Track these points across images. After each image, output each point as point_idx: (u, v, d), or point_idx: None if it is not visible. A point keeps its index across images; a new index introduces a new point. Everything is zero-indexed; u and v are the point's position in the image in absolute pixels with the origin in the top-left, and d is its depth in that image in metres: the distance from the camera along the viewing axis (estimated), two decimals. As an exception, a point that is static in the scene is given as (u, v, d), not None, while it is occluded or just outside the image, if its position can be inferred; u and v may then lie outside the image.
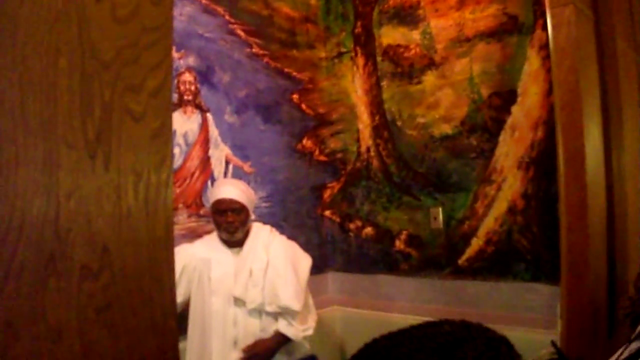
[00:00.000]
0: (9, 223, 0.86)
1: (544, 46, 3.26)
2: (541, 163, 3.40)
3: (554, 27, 2.82)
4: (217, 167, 3.74)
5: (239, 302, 3.17)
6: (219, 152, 3.75)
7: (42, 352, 0.90)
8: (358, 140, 4.38)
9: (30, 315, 0.89)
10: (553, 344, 2.75)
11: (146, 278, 1.03)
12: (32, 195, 0.89)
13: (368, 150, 4.31)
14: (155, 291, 1.04)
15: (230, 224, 3.20)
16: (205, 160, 3.67)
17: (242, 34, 3.93)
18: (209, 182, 3.66)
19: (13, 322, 0.87)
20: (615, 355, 1.94)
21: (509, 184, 3.55)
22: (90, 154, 0.94)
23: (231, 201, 3.19)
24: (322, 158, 4.51)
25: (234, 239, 3.24)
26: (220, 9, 3.78)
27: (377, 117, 4.24)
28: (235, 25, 3.88)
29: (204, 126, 3.66)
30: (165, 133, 1.05)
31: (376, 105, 4.24)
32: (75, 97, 0.93)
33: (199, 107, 3.63)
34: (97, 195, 0.96)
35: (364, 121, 4.33)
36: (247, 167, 3.92)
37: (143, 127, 1.02)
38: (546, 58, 3.28)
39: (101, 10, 0.96)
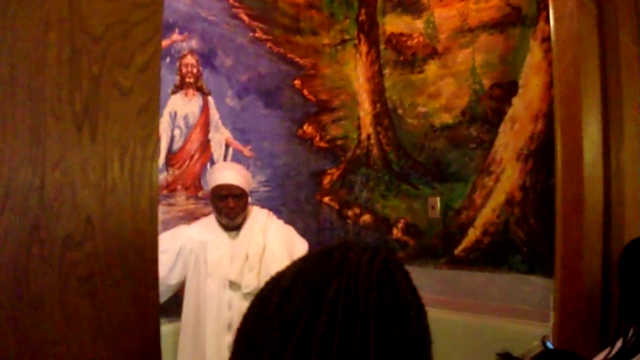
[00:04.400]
0: (-5, 191, 0.88)
1: (547, 38, 3.25)
2: (540, 155, 3.40)
3: (556, 19, 2.82)
4: (217, 150, 3.75)
5: (234, 285, 3.17)
6: (219, 136, 3.76)
7: (24, 318, 0.92)
8: (359, 127, 4.38)
9: (13, 282, 0.90)
10: (543, 341, 2.78)
11: (129, 250, 1.05)
12: (19, 165, 0.91)
13: (368, 137, 4.31)
14: (137, 263, 1.06)
15: (232, 210, 3.20)
16: (205, 143, 3.68)
17: (245, 18, 3.93)
18: (208, 165, 3.67)
19: (-4, 287, 0.89)
20: (605, 352, 1.96)
21: (507, 176, 3.55)
22: (77, 126, 0.96)
23: (232, 187, 3.19)
24: (323, 144, 4.51)
25: (234, 224, 3.25)
26: (224, -7, 3.79)
27: (378, 105, 4.25)
28: (239, 9, 3.89)
29: (204, 109, 3.68)
30: (152, 108, 1.07)
31: (378, 93, 4.25)
32: (64, 69, 0.94)
33: (200, 89, 3.65)
34: (83, 166, 0.97)
35: (365, 109, 4.33)
36: (246, 151, 3.93)
37: (130, 102, 1.03)
38: (548, 51, 3.25)
39: (92, -15, 0.97)
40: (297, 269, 0.92)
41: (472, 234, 3.71)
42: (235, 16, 3.87)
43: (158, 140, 1.09)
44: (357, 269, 0.86)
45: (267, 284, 0.95)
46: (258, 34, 4.03)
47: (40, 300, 0.93)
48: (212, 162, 3.70)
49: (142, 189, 1.06)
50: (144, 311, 1.08)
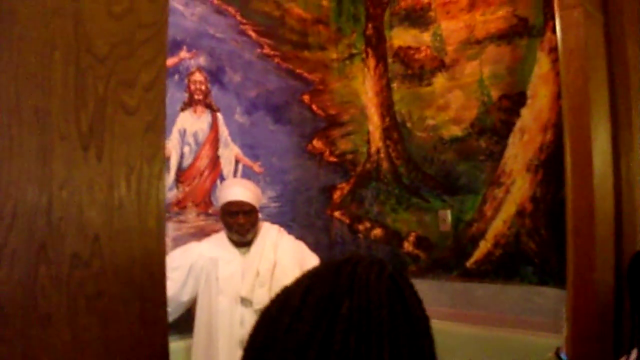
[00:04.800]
0: (2, 211, 0.89)
1: (554, 49, 3.25)
2: (550, 166, 3.40)
3: (563, 29, 2.82)
4: (227, 166, 3.77)
5: (246, 302, 3.18)
6: (229, 152, 3.78)
7: (32, 337, 0.92)
8: (368, 141, 4.39)
9: (22, 300, 0.91)
10: (557, 353, 2.77)
11: (137, 268, 1.05)
12: (26, 185, 0.91)
13: (378, 151, 4.32)
14: (145, 281, 1.07)
15: (242, 226, 3.21)
16: (215, 160, 3.70)
17: (253, 34, 3.96)
18: (218, 181, 3.69)
19: (4, 307, 0.89)
20: None
21: (517, 187, 3.55)
22: (83, 146, 0.97)
23: (242, 203, 3.20)
24: (332, 159, 4.52)
25: (245, 240, 3.26)
26: (231, 9, 3.80)
27: (387, 119, 4.26)
28: (246, 26, 3.91)
29: (214, 126, 3.69)
30: (158, 127, 1.07)
31: (386, 106, 4.26)
32: (70, 90, 0.95)
33: (209, 106, 3.67)
34: (89, 185, 0.98)
35: (374, 123, 4.34)
36: (256, 167, 3.95)
37: (136, 121, 1.04)
38: (556, 61, 3.26)
39: (97, 6, 0.98)
40: (305, 286, 0.92)
41: (484, 246, 3.70)
42: (242, 33, 3.89)
43: (164, 159, 1.10)
44: (367, 286, 0.87)
45: (274, 302, 0.96)
46: (266, 50, 4.05)
47: (48, 319, 0.94)
48: (222, 179, 3.71)
49: (149, 207, 1.07)
50: (152, 330, 1.08)
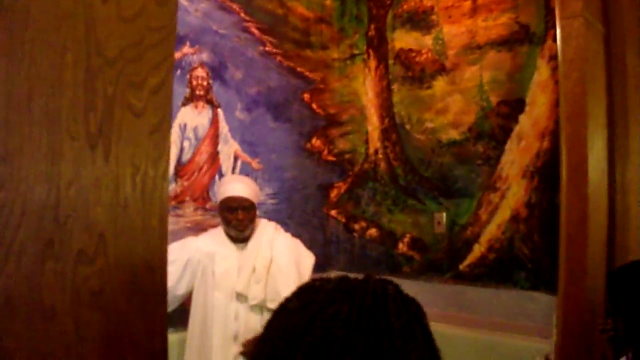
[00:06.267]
0: (12, 208, 0.92)
1: (554, 57, 3.26)
2: (546, 173, 3.43)
3: (563, 38, 2.85)
4: (226, 162, 3.79)
5: (241, 297, 3.20)
6: (228, 148, 3.80)
7: (37, 329, 0.95)
8: (367, 142, 4.41)
9: (28, 294, 0.94)
10: (546, 358, 2.80)
11: (139, 266, 1.08)
12: (35, 183, 0.94)
13: (376, 152, 4.35)
14: (147, 279, 1.10)
15: (241, 222, 3.23)
16: (214, 155, 3.72)
17: (256, 32, 3.98)
18: (217, 177, 3.71)
19: (12, 299, 0.92)
20: None
21: (513, 192, 3.58)
22: (91, 146, 1.00)
23: (241, 199, 3.22)
24: (330, 158, 4.55)
25: (242, 235, 3.27)
26: (235, 6, 3.82)
27: (386, 120, 4.28)
28: (249, 23, 3.93)
29: (214, 121, 3.71)
30: (164, 129, 1.10)
31: (386, 108, 4.28)
32: (80, 91, 0.98)
33: (210, 102, 3.68)
34: (96, 185, 1.01)
35: (373, 123, 4.37)
36: (255, 164, 3.97)
37: (143, 123, 1.07)
38: (556, 69, 3.27)
39: (108, 10, 1.01)
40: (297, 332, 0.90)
41: (477, 249, 3.73)
42: (245, 30, 3.91)
43: (169, 160, 1.13)
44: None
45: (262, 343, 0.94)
46: (268, 48, 4.07)
47: (53, 313, 0.97)
48: (221, 174, 3.73)
49: (152, 207, 1.09)
50: (152, 326, 1.11)
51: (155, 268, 1.11)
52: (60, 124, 0.96)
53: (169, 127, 1.11)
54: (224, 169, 3.77)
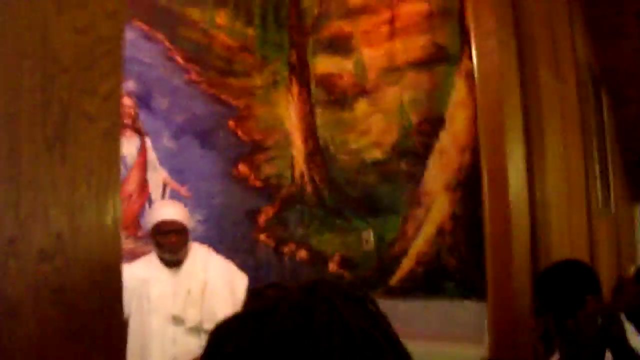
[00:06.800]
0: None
1: (471, 75, 3.41)
2: (468, 186, 3.56)
3: (478, 55, 3.00)
4: (155, 190, 3.80)
5: (177, 320, 3.20)
6: (157, 176, 3.82)
7: (1, 326, 0.99)
8: (292, 166, 4.49)
9: (-8, 291, 0.98)
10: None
11: (96, 264, 1.13)
12: (-5, 184, 0.99)
13: (302, 175, 4.42)
14: (103, 276, 1.15)
15: (174, 245, 3.23)
16: (143, 184, 3.73)
17: (181, 60, 4.02)
18: (147, 205, 3.72)
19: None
20: None
21: (437, 207, 3.70)
22: (48, 149, 1.05)
23: (174, 222, 3.23)
24: (257, 183, 4.60)
25: (176, 258, 3.28)
26: (160, 36, 3.87)
27: (310, 144, 4.37)
28: (174, 52, 3.98)
29: (142, 150, 3.73)
30: (115, 133, 1.16)
31: (310, 131, 4.37)
32: (37, 96, 1.03)
33: (137, 131, 3.70)
34: (54, 186, 1.06)
35: (298, 147, 4.45)
36: (184, 191, 3.99)
37: (96, 127, 1.13)
38: (473, 86, 3.39)
39: (62, 21, 1.07)
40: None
41: (406, 264, 3.83)
42: (170, 59, 3.95)
43: (119, 162, 1.18)
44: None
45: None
46: (193, 76, 4.12)
47: (16, 310, 1.01)
48: (150, 202, 3.74)
49: (107, 208, 1.15)
50: (110, 322, 1.16)
51: (111, 266, 1.16)
52: (20, 127, 1.01)
53: (119, 131, 1.17)
54: (153, 197, 3.79)
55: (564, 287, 2.18)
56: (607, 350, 2.01)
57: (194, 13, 4.15)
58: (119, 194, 1.18)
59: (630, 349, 1.96)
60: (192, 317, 3.19)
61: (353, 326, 0.74)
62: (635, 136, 6.87)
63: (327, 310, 0.75)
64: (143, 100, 3.75)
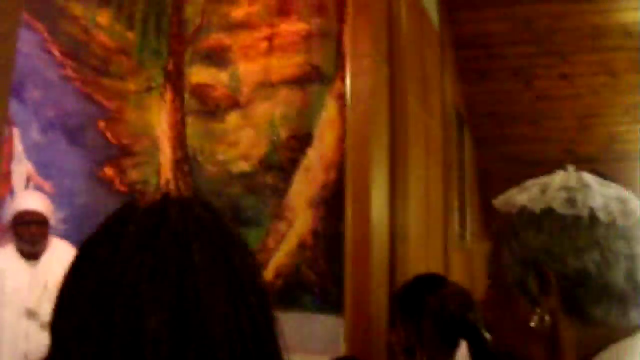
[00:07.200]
0: None
1: (342, 96, 3.55)
2: (332, 203, 3.67)
3: (352, 75, 3.19)
4: (19, 182, 3.73)
5: (32, 315, 3.15)
6: (22, 168, 3.75)
7: None
8: (159, 173, 4.50)
9: None
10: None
11: None
12: None
13: (167, 183, 4.43)
14: None
15: (34, 236, 3.19)
16: (7, 174, 3.66)
17: (58, 54, 3.99)
18: (9, 197, 3.64)
19: None
20: None
21: (300, 222, 3.80)
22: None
23: (36, 213, 3.19)
24: (122, 188, 4.56)
25: (35, 250, 3.23)
26: (40, 26, 3.82)
27: (179, 152, 4.39)
28: (52, 45, 3.94)
29: (9, 140, 3.66)
30: None
31: (180, 140, 4.39)
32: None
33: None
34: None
35: (167, 155, 4.45)
36: (48, 187, 3.93)
37: None
38: (343, 107, 3.56)
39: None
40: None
41: (266, 276, 3.92)
42: (48, 51, 3.91)
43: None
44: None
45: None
46: (68, 72, 4.08)
47: None
48: (12, 194, 3.67)
49: None
50: None
51: None
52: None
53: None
54: (16, 189, 3.71)
55: (423, 298, 2.36)
56: (462, 340, 2.20)
57: (77, 8, 4.12)
58: None
59: (485, 339, 2.12)
60: (47, 312, 3.14)
61: (203, 219, 0.85)
62: (493, 177, 7.27)
63: (179, 209, 0.85)
64: (15, 90, 3.69)
